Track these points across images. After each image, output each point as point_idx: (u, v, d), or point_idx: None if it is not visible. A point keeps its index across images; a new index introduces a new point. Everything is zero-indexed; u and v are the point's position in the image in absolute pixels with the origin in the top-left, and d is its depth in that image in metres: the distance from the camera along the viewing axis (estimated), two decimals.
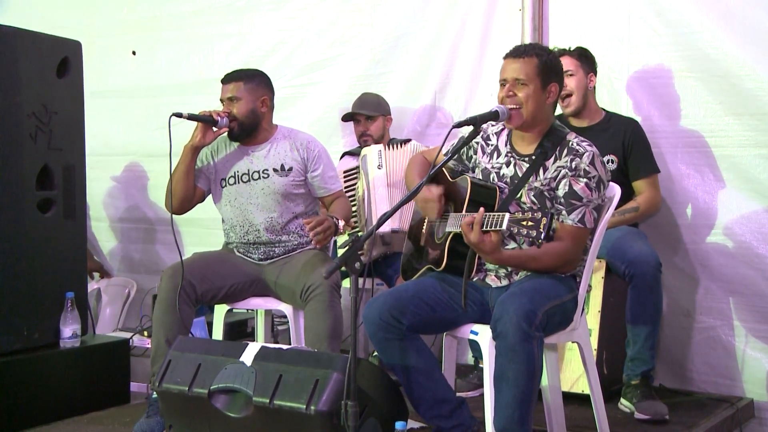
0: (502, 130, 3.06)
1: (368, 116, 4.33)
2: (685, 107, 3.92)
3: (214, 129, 3.60)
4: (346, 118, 4.43)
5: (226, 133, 3.65)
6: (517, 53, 2.92)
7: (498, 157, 3.02)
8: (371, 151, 4.19)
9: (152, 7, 5.38)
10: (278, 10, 5.00)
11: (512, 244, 2.93)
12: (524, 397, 2.67)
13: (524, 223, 2.57)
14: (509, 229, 2.61)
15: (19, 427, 3.49)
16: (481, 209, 2.69)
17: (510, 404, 2.67)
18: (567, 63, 3.70)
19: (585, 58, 3.82)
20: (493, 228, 2.66)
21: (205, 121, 3.57)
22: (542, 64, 2.90)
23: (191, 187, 3.67)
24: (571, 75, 3.74)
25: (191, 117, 3.55)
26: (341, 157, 4.47)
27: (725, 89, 3.81)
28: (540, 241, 2.56)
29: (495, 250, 2.73)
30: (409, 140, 4.30)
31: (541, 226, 2.54)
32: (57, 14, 5.48)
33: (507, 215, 2.61)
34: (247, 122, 3.65)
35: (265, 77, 3.77)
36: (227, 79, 3.69)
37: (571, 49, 3.81)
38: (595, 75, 3.85)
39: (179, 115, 3.50)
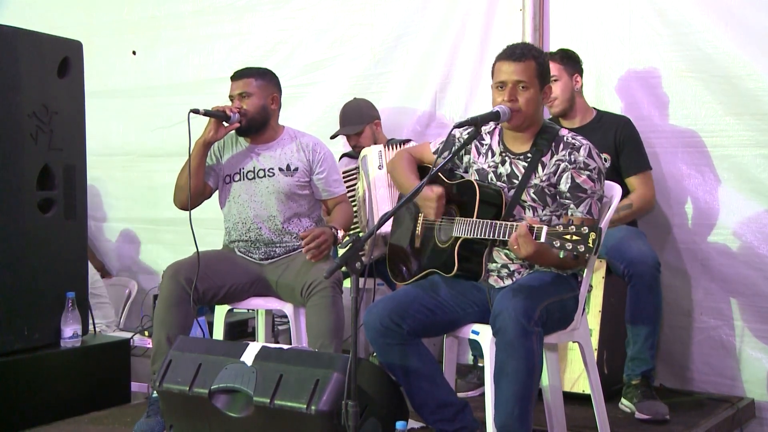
0: (494, 129, 3.06)
1: (355, 133, 4.34)
2: (685, 107, 3.92)
3: (225, 124, 3.60)
4: (334, 137, 4.45)
5: (234, 130, 3.66)
6: (514, 56, 2.91)
7: (492, 157, 3.02)
8: (371, 152, 4.19)
9: (152, 6, 5.39)
10: (278, 9, 5.00)
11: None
12: (524, 393, 2.67)
13: (567, 237, 2.54)
14: (550, 243, 2.58)
15: (19, 427, 3.49)
16: (523, 225, 2.66)
17: (510, 400, 2.67)
18: (550, 69, 3.71)
19: (568, 60, 3.81)
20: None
21: (219, 116, 3.59)
22: (539, 67, 2.92)
23: (202, 182, 3.68)
24: (555, 80, 3.73)
25: (207, 113, 3.57)
26: (340, 158, 4.47)
27: (725, 89, 3.80)
28: (588, 256, 2.54)
29: (546, 254, 2.73)
30: (408, 140, 4.29)
31: (590, 241, 2.50)
32: (57, 14, 5.48)
33: (545, 228, 2.59)
34: (257, 118, 3.66)
35: (275, 76, 3.79)
36: (238, 76, 3.71)
37: (553, 53, 3.81)
38: (581, 75, 3.84)
39: (197, 111, 3.52)
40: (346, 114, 4.40)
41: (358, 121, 4.35)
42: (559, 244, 2.56)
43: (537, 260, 2.84)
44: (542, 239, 2.59)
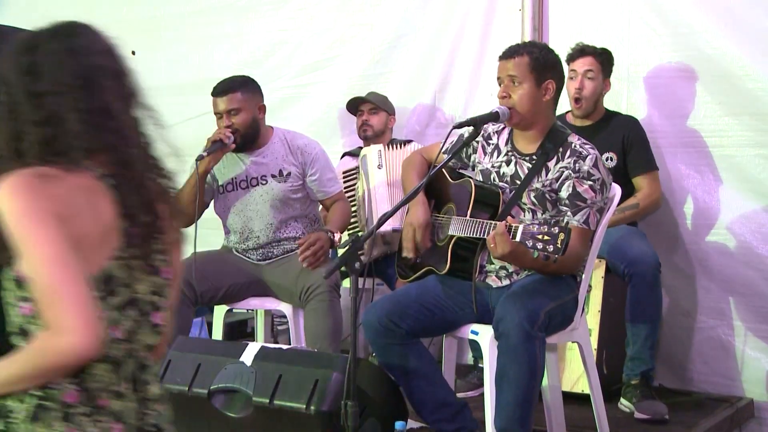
0: (503, 128, 3.05)
1: (372, 107, 4.33)
2: (685, 107, 3.91)
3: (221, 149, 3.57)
4: (350, 105, 4.42)
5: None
6: (508, 53, 2.92)
7: (498, 156, 3.01)
8: (371, 151, 4.18)
9: (152, 7, 5.38)
10: (278, 10, 4.99)
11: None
12: (525, 397, 2.68)
13: (540, 237, 2.55)
14: (524, 242, 2.60)
15: None
16: (502, 224, 2.66)
17: (511, 404, 2.68)
18: (588, 62, 3.68)
19: (608, 63, 3.77)
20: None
21: (219, 148, 3.52)
22: (534, 62, 2.88)
23: (201, 204, 3.65)
24: (591, 79, 3.70)
25: (209, 152, 3.51)
26: (341, 158, 4.46)
27: (725, 89, 3.80)
28: (557, 256, 2.55)
29: (522, 256, 2.72)
30: (410, 141, 4.29)
31: (559, 242, 2.52)
32: (57, 14, 5.46)
33: (521, 227, 2.60)
34: (249, 132, 3.63)
35: (256, 83, 3.73)
36: (222, 92, 3.62)
37: (597, 49, 3.75)
38: (609, 80, 3.83)
39: (202, 157, 3.48)
40: (373, 93, 4.41)
41: (382, 103, 4.36)
42: (531, 244, 2.57)
43: (514, 261, 2.83)
44: (518, 238, 2.59)
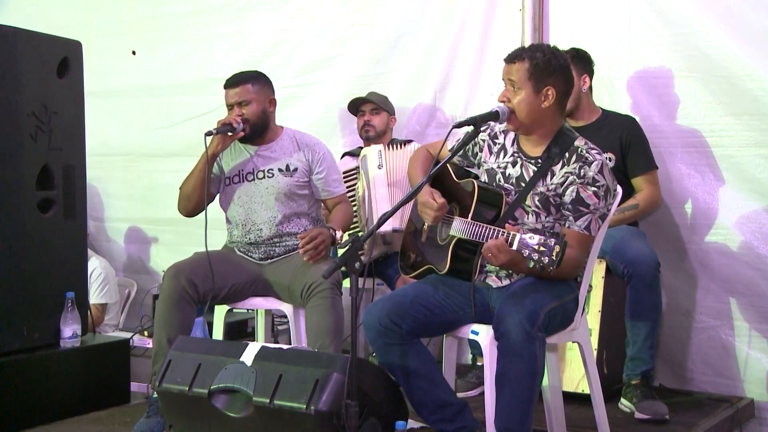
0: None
1: (374, 107, 4.33)
2: (685, 107, 3.92)
3: (230, 134, 3.59)
4: (351, 105, 4.42)
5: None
6: (510, 57, 2.89)
7: (504, 156, 3.00)
8: (371, 151, 4.19)
9: (152, 6, 5.39)
10: (278, 10, 5.00)
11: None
12: (525, 398, 2.67)
13: (536, 247, 2.55)
14: (520, 251, 2.59)
15: (19, 427, 3.49)
16: (501, 238, 2.66)
17: (511, 404, 2.67)
18: None
19: (579, 60, 3.78)
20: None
21: (228, 130, 3.57)
22: (533, 67, 2.83)
23: (208, 193, 3.67)
24: None
25: (218, 131, 3.56)
26: (341, 158, 4.47)
27: (725, 89, 3.81)
28: (551, 268, 2.55)
29: (519, 263, 2.71)
30: (410, 141, 4.30)
31: (554, 254, 2.52)
32: (57, 14, 5.48)
33: (518, 237, 2.60)
34: (259, 123, 3.66)
35: (267, 77, 3.78)
36: (234, 83, 3.68)
37: (565, 51, 3.79)
38: (590, 75, 3.82)
39: (210, 133, 3.54)
40: (374, 93, 4.43)
41: (383, 103, 4.37)
42: (527, 254, 2.57)
43: (511, 268, 2.84)
44: (514, 247, 2.59)
